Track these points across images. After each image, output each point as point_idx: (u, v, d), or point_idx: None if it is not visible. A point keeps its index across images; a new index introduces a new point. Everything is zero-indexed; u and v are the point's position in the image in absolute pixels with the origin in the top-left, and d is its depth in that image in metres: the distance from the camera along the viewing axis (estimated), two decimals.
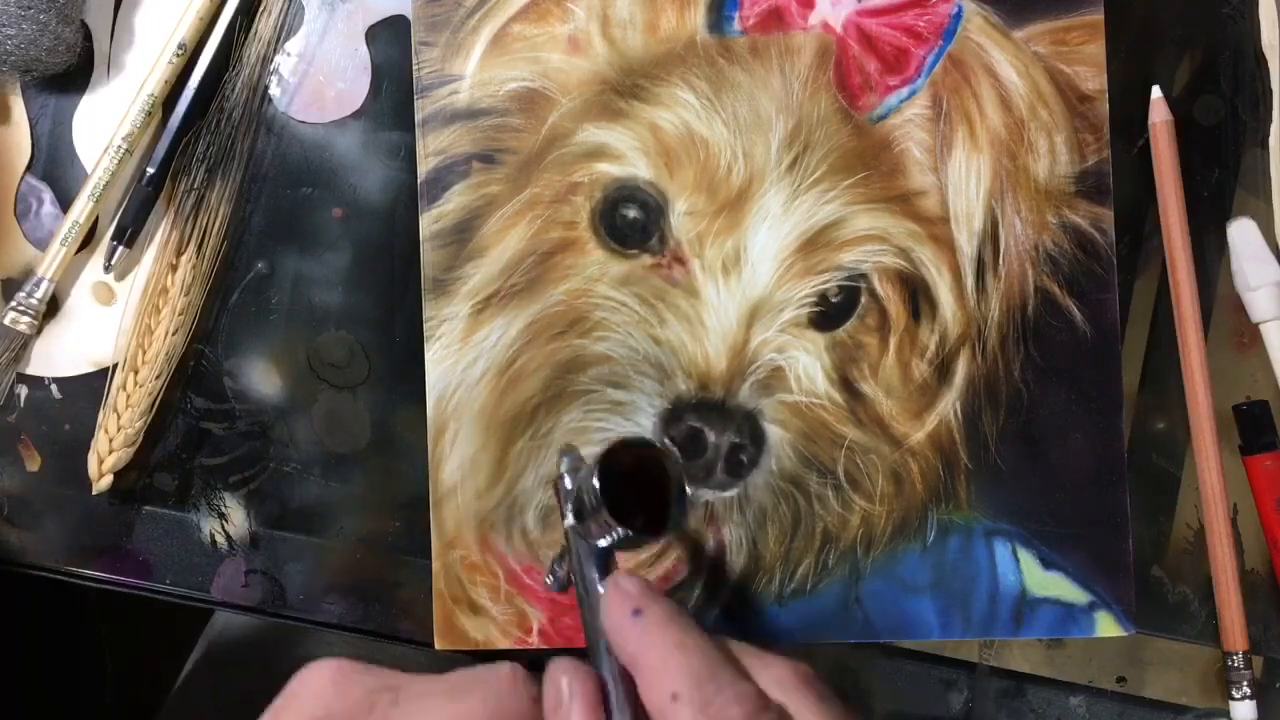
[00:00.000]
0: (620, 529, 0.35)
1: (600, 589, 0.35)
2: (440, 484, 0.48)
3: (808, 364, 0.47)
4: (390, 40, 0.49)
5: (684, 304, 0.47)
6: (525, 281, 0.47)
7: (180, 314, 0.48)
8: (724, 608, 0.48)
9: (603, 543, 0.36)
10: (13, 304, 0.48)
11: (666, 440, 0.47)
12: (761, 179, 0.47)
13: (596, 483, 0.35)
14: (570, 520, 0.37)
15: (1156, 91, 0.48)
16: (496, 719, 0.31)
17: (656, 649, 0.31)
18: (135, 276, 0.49)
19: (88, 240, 0.49)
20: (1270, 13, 0.49)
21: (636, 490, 0.36)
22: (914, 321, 0.47)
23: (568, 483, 0.38)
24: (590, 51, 0.47)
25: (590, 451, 0.38)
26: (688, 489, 0.37)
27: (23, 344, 0.49)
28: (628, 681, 0.32)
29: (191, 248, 0.48)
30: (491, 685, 0.32)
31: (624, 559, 0.46)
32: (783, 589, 0.48)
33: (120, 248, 0.48)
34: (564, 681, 0.31)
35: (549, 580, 0.41)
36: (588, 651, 0.34)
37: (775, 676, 0.32)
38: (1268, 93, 0.49)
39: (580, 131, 0.47)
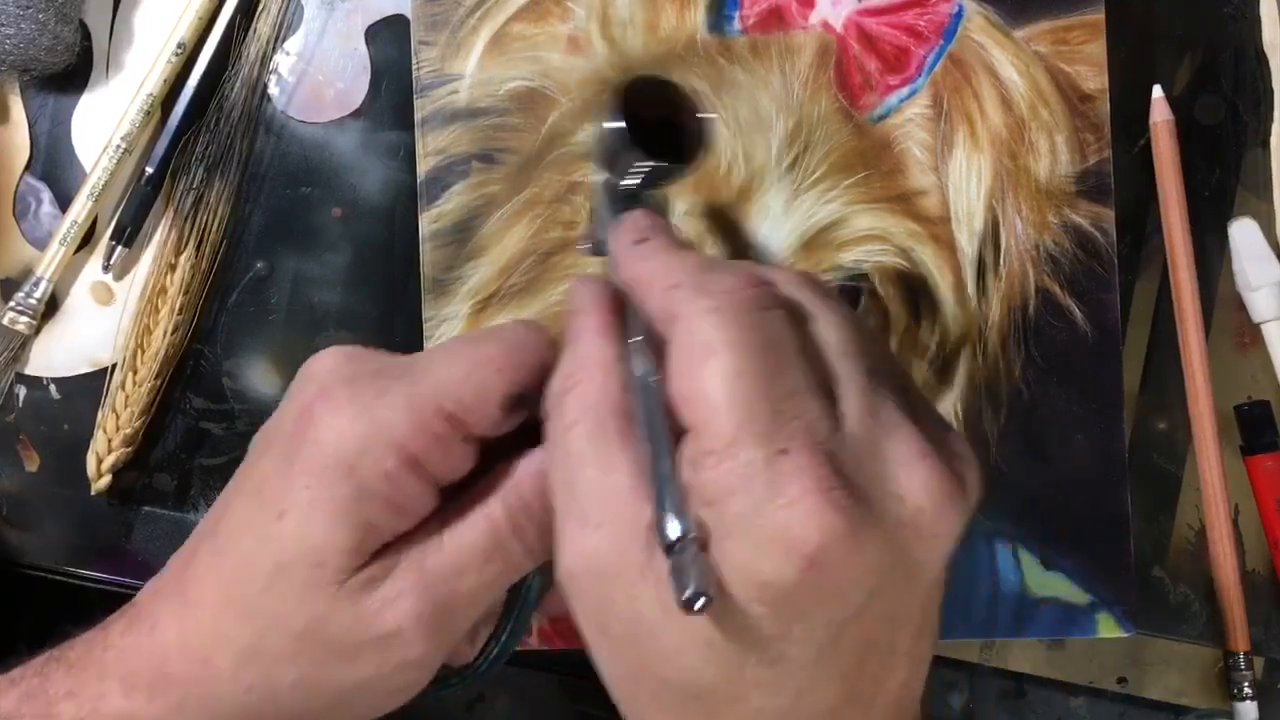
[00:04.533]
0: (646, 161, 0.34)
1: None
2: None
3: None
4: (390, 40, 0.49)
5: None
6: (525, 281, 0.47)
7: (179, 314, 0.48)
8: None
9: (629, 182, 0.35)
10: (11, 304, 0.48)
11: None
12: (761, 179, 0.47)
13: (619, 121, 0.34)
14: (598, 174, 0.36)
15: (1157, 91, 0.48)
16: (515, 355, 0.32)
17: (658, 260, 0.32)
18: (134, 276, 0.49)
19: (86, 240, 0.49)
20: (1271, 12, 0.48)
21: (657, 129, 0.35)
22: (914, 321, 0.47)
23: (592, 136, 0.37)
24: (590, 51, 0.47)
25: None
26: (707, 115, 0.36)
27: (21, 344, 0.49)
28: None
29: (191, 247, 0.48)
30: (509, 329, 0.33)
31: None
32: None
33: (119, 247, 0.48)
34: (584, 290, 0.33)
35: (582, 247, 0.39)
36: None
37: (783, 276, 0.31)
38: (1269, 92, 0.49)
39: (580, 131, 0.47)
